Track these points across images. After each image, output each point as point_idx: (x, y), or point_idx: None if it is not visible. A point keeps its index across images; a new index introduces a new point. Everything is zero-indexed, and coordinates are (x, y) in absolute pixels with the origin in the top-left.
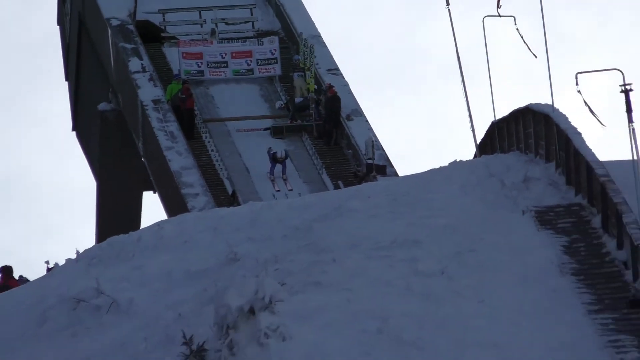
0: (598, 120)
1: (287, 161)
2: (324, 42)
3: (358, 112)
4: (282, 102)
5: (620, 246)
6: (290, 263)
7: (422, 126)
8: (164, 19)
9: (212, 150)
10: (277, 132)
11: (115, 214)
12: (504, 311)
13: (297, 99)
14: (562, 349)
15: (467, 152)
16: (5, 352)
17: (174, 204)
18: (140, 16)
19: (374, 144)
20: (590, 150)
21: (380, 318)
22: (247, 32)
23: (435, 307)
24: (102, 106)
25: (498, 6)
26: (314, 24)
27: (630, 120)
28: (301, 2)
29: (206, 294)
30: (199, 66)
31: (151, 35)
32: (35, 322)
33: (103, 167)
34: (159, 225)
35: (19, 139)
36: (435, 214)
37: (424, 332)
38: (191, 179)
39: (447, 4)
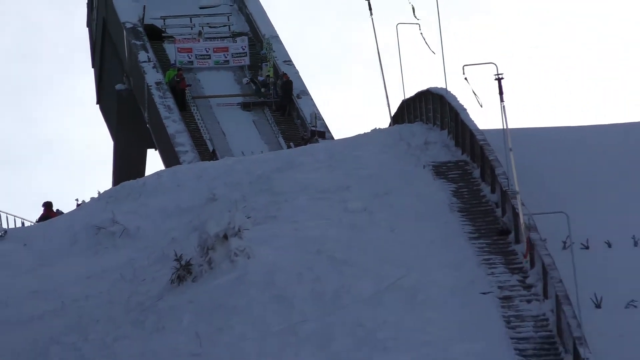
0: (478, 101)
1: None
2: (280, 41)
3: (305, 92)
4: (247, 79)
5: (493, 191)
6: (254, 202)
7: (352, 103)
8: (164, 23)
9: (198, 119)
10: (246, 106)
11: (126, 165)
12: (409, 237)
13: (260, 78)
14: (451, 264)
15: (384, 122)
16: (49, 262)
17: (170, 159)
18: (147, 21)
19: (317, 116)
20: (473, 121)
21: (319, 242)
22: (225, 33)
23: (360, 234)
24: (119, 87)
25: (414, 15)
26: (273, 27)
27: (501, 100)
28: (264, 11)
29: (192, 224)
30: (189, 58)
31: (155, 35)
32: (68, 242)
33: (118, 131)
34: (158, 174)
35: (60, 109)
36: (360, 166)
37: (351, 253)
38: (182, 140)
39: (370, 13)
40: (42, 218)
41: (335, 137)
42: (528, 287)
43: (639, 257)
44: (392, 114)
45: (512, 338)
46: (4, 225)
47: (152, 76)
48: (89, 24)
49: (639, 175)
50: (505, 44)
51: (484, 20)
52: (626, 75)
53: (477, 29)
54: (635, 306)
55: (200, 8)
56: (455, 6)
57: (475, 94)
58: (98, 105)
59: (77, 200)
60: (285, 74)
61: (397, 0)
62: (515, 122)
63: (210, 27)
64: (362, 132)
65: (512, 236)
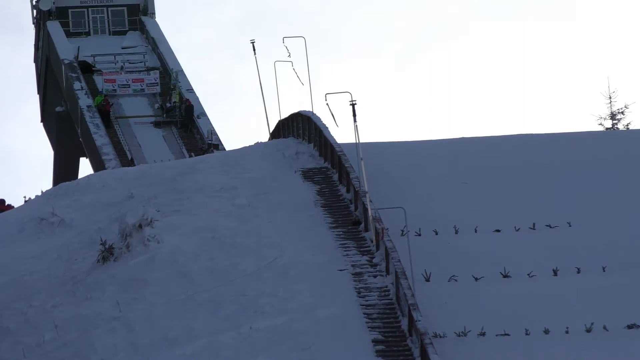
0: (335, 121)
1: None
2: (184, 74)
3: (203, 114)
4: (158, 103)
5: (348, 191)
6: (163, 199)
7: (240, 123)
8: (94, 60)
9: (120, 134)
10: (157, 124)
11: (64, 170)
12: (283, 226)
13: (168, 104)
14: (315, 247)
15: (265, 137)
16: (2, 245)
17: (97, 165)
18: (81, 58)
19: (212, 132)
20: (332, 137)
21: (213, 230)
22: (141, 67)
23: (244, 224)
24: (58, 108)
25: (288, 55)
26: (179, 63)
27: (354, 120)
28: (172, 51)
29: (114, 215)
30: (113, 86)
31: (87, 69)
32: (17, 230)
33: (58, 144)
34: (88, 177)
35: (11, 126)
36: (246, 171)
37: (238, 238)
38: (107, 151)
39: (254, 53)
40: None
41: (227, 149)
42: (374, 265)
43: (459, 242)
44: (271, 131)
45: (361, 305)
46: None
47: (84, 101)
48: (35, 60)
49: (461, 179)
50: (364, 74)
51: (344, 55)
52: (465, 96)
53: (338, 63)
54: (456, 280)
55: (122, 48)
56: (321, 46)
57: (333, 116)
58: (42, 123)
59: (25, 197)
60: (188, 99)
61: (276, 43)
62: (368, 137)
63: (129, 63)
64: (247, 145)
65: (362, 226)
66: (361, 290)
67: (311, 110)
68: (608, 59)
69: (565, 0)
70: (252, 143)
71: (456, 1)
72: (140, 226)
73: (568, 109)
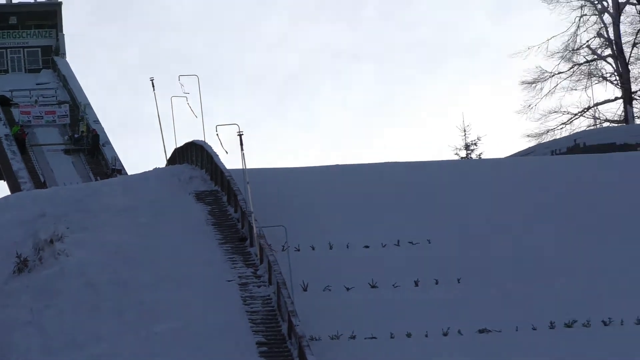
0: (224, 149)
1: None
2: (92, 107)
3: (108, 142)
4: (68, 134)
5: (235, 211)
6: (72, 217)
7: (140, 150)
8: (12, 95)
9: (34, 160)
10: (67, 152)
11: None
12: (178, 242)
13: (76, 135)
14: (207, 261)
15: (163, 164)
16: None
17: (14, 187)
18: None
19: (116, 158)
20: (222, 163)
21: (116, 245)
22: (53, 101)
23: (145, 240)
24: None
25: (183, 91)
26: (87, 97)
27: (242, 149)
28: (80, 86)
29: (29, 232)
30: (29, 118)
31: (5, 103)
32: None
33: None
34: (5, 197)
35: None
36: (146, 193)
37: (138, 253)
38: (23, 174)
39: (153, 89)
40: None
41: (129, 173)
42: (258, 277)
43: (333, 256)
44: (168, 158)
45: (247, 311)
46: None
47: (3, 130)
48: None
49: (336, 201)
50: (251, 108)
51: (233, 91)
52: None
53: (227, 98)
54: (330, 290)
55: (37, 84)
56: (213, 83)
57: (222, 145)
58: None
59: None
60: (95, 129)
61: (173, 81)
62: (254, 164)
63: (43, 97)
64: (147, 170)
65: (248, 242)
66: (247, 298)
67: (203, 139)
68: (463, 96)
69: (430, 54)
70: (151, 169)
71: (329, 44)
72: (51, 241)
73: (429, 141)
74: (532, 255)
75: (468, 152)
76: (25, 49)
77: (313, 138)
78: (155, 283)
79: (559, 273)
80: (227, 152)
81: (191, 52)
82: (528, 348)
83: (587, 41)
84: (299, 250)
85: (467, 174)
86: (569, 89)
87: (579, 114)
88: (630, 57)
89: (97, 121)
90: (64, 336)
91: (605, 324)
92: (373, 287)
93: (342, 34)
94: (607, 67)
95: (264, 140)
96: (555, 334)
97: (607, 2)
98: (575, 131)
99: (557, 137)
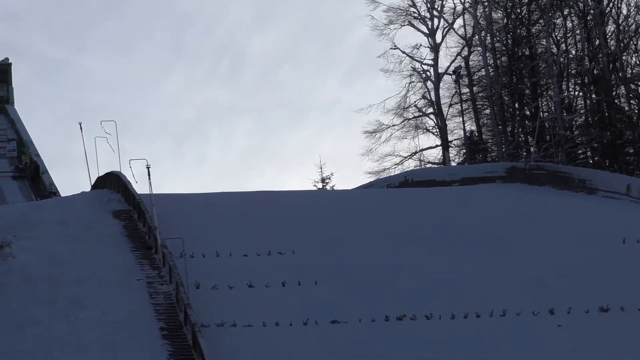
0: (134, 179)
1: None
2: (33, 143)
3: (46, 171)
4: (15, 165)
5: (144, 226)
6: (18, 228)
7: (71, 178)
8: None
9: None
10: (14, 178)
11: None
12: (100, 250)
13: (21, 166)
14: (121, 264)
15: (88, 188)
16: None
17: None
18: None
19: (52, 184)
20: (134, 189)
21: (52, 251)
22: (4, 139)
23: (75, 246)
24: None
25: (105, 131)
26: (30, 135)
27: (149, 178)
28: (25, 128)
29: None
30: None
31: None
32: None
33: None
34: None
35: None
36: (75, 211)
37: (70, 256)
38: None
39: (81, 130)
40: None
41: (62, 195)
42: (162, 277)
43: (219, 262)
44: (92, 184)
45: (152, 304)
46: None
47: None
48: None
49: (224, 219)
50: (157, 146)
51: (142, 133)
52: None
53: (139, 139)
54: (217, 288)
55: None
56: (128, 127)
57: (133, 175)
58: None
59: None
60: (36, 161)
61: (96, 124)
62: (160, 189)
63: None
64: (76, 193)
65: (153, 250)
66: (152, 293)
67: (119, 170)
68: (321, 142)
69: (295, 110)
70: (79, 192)
71: (217, 100)
72: (1, 247)
73: (294, 176)
74: (375, 259)
75: (324, 184)
76: None
77: (206, 172)
78: (80, 280)
79: (393, 272)
80: (137, 181)
81: (111, 104)
82: (376, 338)
83: (415, 102)
84: (193, 257)
85: (322, 201)
86: (400, 137)
87: (409, 157)
88: (447, 114)
89: (37, 155)
90: (9, 319)
91: (427, 317)
92: (250, 286)
93: (226, 93)
94: (430, 122)
95: (167, 172)
96: (390, 325)
97: (430, 73)
98: (405, 170)
99: (392, 174)
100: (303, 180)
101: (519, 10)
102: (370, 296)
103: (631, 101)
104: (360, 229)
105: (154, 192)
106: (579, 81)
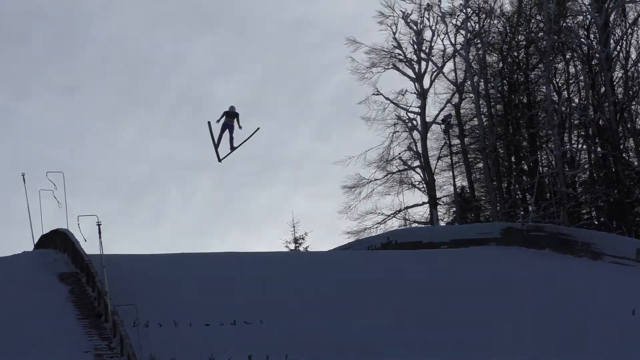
0: (83, 237)
1: None
2: None
3: None
4: None
5: (93, 291)
6: None
7: (11, 235)
8: None
9: None
10: None
11: None
12: (43, 317)
13: None
14: (66, 334)
15: (31, 247)
16: None
17: None
18: None
19: None
20: (83, 249)
21: None
22: None
23: (11, 314)
24: None
25: (52, 182)
26: None
27: (100, 237)
28: None
29: None
30: None
31: None
32: None
33: None
34: None
35: None
36: (17, 272)
37: (6, 325)
38: None
39: (24, 182)
40: None
41: (1, 255)
42: (112, 349)
43: (177, 332)
44: (36, 243)
45: None
46: None
47: None
48: None
49: (178, 282)
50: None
51: (91, 187)
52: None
53: (88, 192)
54: None
55: None
56: (76, 180)
57: (81, 233)
58: None
59: None
60: None
61: (41, 176)
62: (111, 250)
63: None
64: (17, 253)
65: (103, 318)
66: None
67: (67, 227)
68: (293, 199)
69: (264, 165)
70: (21, 252)
71: (174, 155)
72: None
73: (264, 235)
74: (353, 334)
75: (297, 245)
76: None
77: (163, 232)
78: (22, 351)
79: (372, 351)
80: (85, 240)
81: (57, 155)
82: None
83: (399, 153)
84: (147, 326)
85: (295, 263)
86: (383, 193)
87: (392, 215)
88: (435, 168)
89: None
90: None
91: None
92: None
93: (186, 145)
94: (416, 176)
95: (119, 231)
96: None
97: (417, 121)
98: (388, 230)
99: (373, 234)
100: (274, 241)
101: (516, 54)
102: None
103: None
104: (337, 297)
105: (104, 253)
106: (583, 133)
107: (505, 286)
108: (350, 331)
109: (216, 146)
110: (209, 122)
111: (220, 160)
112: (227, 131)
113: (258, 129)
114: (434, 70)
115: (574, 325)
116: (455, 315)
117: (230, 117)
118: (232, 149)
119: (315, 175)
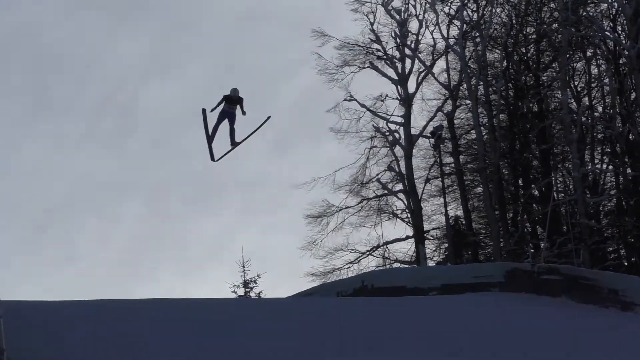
0: None
1: None
2: None
3: None
4: None
5: None
6: None
7: None
8: None
9: None
10: None
11: None
12: None
13: None
14: None
15: None
16: None
17: None
18: None
19: None
20: None
21: None
22: None
23: None
24: None
25: None
26: None
27: None
28: None
29: None
30: None
31: None
32: None
33: None
34: None
35: None
36: None
37: None
38: None
39: None
40: None
41: None
42: None
43: None
44: None
45: None
46: None
47: None
48: None
49: (99, 336)
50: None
51: None
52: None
53: None
54: None
55: None
56: None
57: None
58: None
59: None
60: None
61: None
62: (16, 296)
63: None
64: None
65: None
66: None
67: None
68: (242, 231)
69: (205, 189)
70: None
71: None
72: None
73: (205, 277)
74: None
75: (247, 290)
76: None
77: (77, 273)
78: None
79: None
80: None
81: None
82: None
83: (377, 175)
84: None
85: (244, 314)
86: (357, 225)
87: (368, 253)
88: (422, 193)
89: None
90: None
91: None
92: None
93: (109, 163)
94: (398, 203)
95: (21, 272)
96: None
97: (399, 134)
98: (363, 271)
99: (344, 276)
100: (218, 285)
101: (524, 50)
102: None
103: None
104: (297, 353)
105: (2, 299)
106: (609, 150)
107: (511, 344)
108: None
109: (210, 140)
110: (203, 110)
111: (214, 160)
112: (226, 121)
113: (269, 117)
114: (421, 70)
115: None
116: None
117: (232, 103)
118: (234, 144)
119: (272, 201)
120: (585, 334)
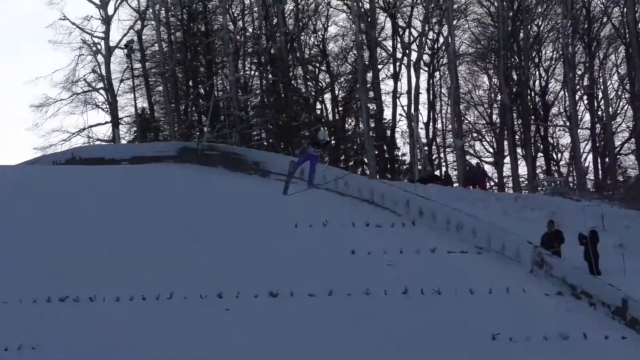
0: None
1: None
2: None
3: None
4: None
5: None
6: None
7: None
8: None
9: None
10: None
11: None
12: None
13: None
14: None
15: None
16: None
17: None
18: None
19: None
20: None
21: None
22: None
23: None
24: None
25: None
26: None
27: None
28: None
29: None
30: None
31: None
32: None
33: None
34: None
35: None
36: None
37: None
38: None
39: None
40: None
41: None
42: None
43: None
44: None
45: None
46: None
47: None
48: None
49: None
50: None
51: None
52: None
53: None
54: None
55: None
56: None
57: None
58: None
59: None
60: None
61: None
62: None
63: None
64: None
65: None
66: None
67: None
68: None
69: None
70: None
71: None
72: None
73: None
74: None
75: None
76: None
77: None
78: None
79: (53, 255)
80: None
81: None
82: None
83: (84, 75)
84: None
85: None
86: (69, 112)
87: (76, 133)
88: (118, 90)
89: None
90: None
91: (91, 299)
92: None
93: None
94: (100, 97)
95: None
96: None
97: (101, 46)
98: (73, 147)
99: (58, 150)
100: None
101: None
102: (32, 279)
103: (308, 83)
104: (17, 210)
105: None
106: (256, 60)
107: (181, 200)
108: (25, 244)
109: (288, 180)
110: (291, 162)
111: (286, 194)
112: (307, 162)
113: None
114: None
115: (244, 236)
116: (130, 225)
117: (318, 146)
118: (311, 186)
119: (5, 92)
120: (235, 193)
